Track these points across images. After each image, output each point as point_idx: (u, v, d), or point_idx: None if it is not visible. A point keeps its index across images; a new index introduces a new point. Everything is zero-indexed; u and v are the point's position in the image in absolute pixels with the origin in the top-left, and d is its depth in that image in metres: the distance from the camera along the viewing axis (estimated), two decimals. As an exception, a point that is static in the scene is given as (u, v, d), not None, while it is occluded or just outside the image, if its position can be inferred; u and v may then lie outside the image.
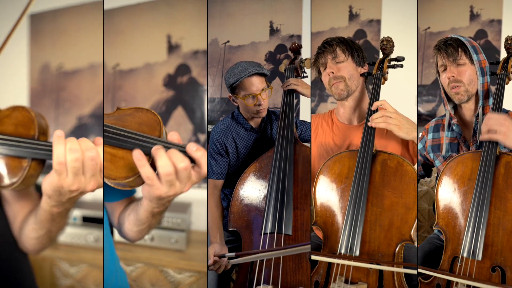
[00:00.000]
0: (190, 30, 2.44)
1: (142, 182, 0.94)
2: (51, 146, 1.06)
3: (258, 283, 1.36)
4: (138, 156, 0.89)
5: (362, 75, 1.53)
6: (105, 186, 1.05)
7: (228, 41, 2.07)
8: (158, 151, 0.89)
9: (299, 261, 1.36)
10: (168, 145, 0.94)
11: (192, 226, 2.36)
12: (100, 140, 1.02)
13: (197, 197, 2.31)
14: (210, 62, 2.08)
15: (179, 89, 2.47)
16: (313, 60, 1.55)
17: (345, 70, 1.49)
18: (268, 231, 1.41)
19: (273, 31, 2.07)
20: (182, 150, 0.92)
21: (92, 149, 0.97)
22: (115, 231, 1.30)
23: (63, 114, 2.67)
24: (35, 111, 1.14)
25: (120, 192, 1.16)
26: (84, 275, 2.30)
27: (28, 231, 1.21)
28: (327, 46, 1.51)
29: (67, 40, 2.64)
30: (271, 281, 1.35)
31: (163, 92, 2.49)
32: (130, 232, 1.15)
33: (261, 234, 1.42)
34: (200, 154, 0.89)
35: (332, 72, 1.49)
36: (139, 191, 1.04)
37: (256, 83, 1.58)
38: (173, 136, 0.95)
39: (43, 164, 1.12)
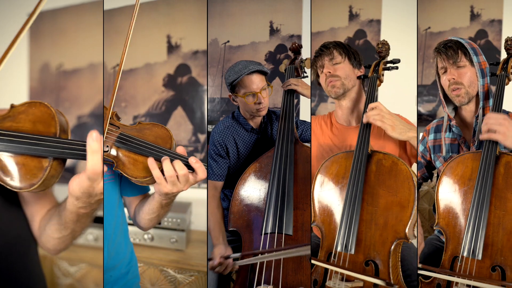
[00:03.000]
0: (190, 30, 2.44)
1: (154, 181, 1.19)
2: (77, 145, 1.03)
3: (259, 283, 1.36)
4: (150, 162, 1.17)
5: (358, 77, 1.55)
6: (126, 183, 1.38)
7: (228, 41, 2.07)
8: (165, 161, 1.16)
9: (299, 261, 1.36)
10: (175, 156, 1.18)
11: (192, 226, 2.36)
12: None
13: (197, 197, 2.31)
14: (210, 62, 2.08)
15: (179, 89, 2.47)
16: (311, 64, 1.58)
17: (341, 70, 1.52)
18: (269, 231, 1.41)
19: (273, 31, 2.06)
20: (185, 160, 1.18)
21: None
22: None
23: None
24: (54, 108, 1.08)
25: (138, 189, 1.41)
26: (83, 274, 2.30)
27: (51, 232, 1.18)
28: (324, 49, 1.55)
29: (67, 40, 2.64)
30: (271, 281, 1.35)
31: (163, 92, 2.49)
32: (142, 220, 1.37)
33: (261, 234, 1.42)
34: (198, 165, 1.18)
35: (329, 72, 1.52)
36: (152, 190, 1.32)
37: (256, 81, 1.58)
38: (180, 149, 1.23)
39: (64, 163, 1.07)
